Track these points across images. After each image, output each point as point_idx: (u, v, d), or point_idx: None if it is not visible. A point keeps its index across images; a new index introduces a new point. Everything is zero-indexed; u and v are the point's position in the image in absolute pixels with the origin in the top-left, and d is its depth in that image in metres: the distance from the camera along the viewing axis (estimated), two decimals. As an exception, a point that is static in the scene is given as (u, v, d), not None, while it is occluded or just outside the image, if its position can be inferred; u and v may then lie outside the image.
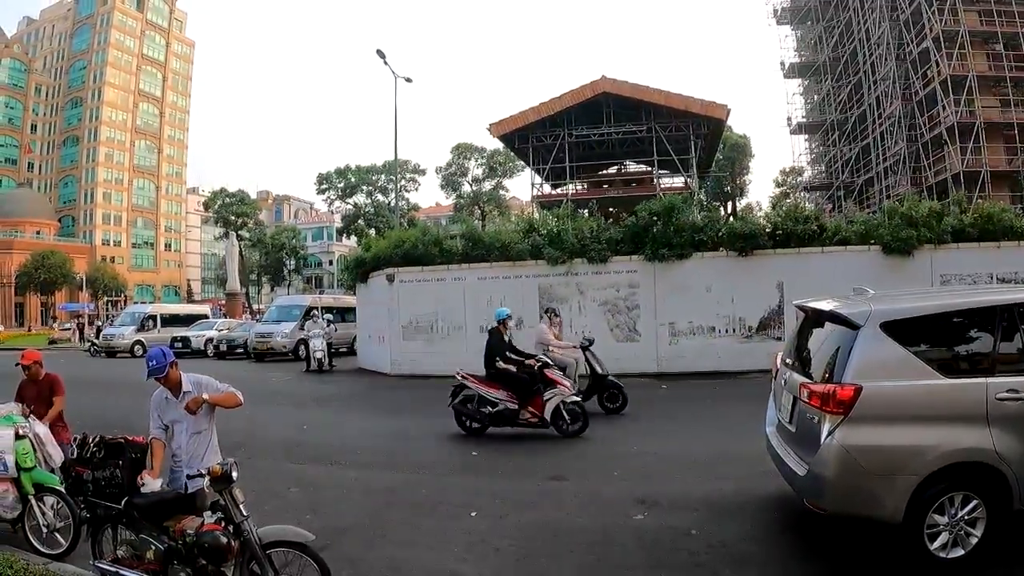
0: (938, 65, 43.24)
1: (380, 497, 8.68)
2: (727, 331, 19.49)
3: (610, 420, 13.78)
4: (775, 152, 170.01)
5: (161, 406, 6.00)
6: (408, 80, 38.33)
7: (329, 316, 28.02)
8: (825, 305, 7.12)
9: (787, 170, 77.93)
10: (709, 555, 6.59)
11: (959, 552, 5.98)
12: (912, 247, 19.14)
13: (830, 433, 6.05)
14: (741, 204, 78.12)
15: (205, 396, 5.88)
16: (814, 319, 7.35)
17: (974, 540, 5.95)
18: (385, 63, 35.76)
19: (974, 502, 5.98)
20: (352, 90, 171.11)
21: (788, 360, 7.55)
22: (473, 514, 7.87)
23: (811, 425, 6.35)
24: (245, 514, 5.11)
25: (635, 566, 6.43)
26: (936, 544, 5.96)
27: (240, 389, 6.29)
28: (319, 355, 24.48)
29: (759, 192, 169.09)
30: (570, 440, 11.86)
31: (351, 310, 30.55)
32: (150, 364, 5.80)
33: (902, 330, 6.24)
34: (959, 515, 5.97)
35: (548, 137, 46.31)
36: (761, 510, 7.81)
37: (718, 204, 73.48)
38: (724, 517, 7.58)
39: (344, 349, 30.39)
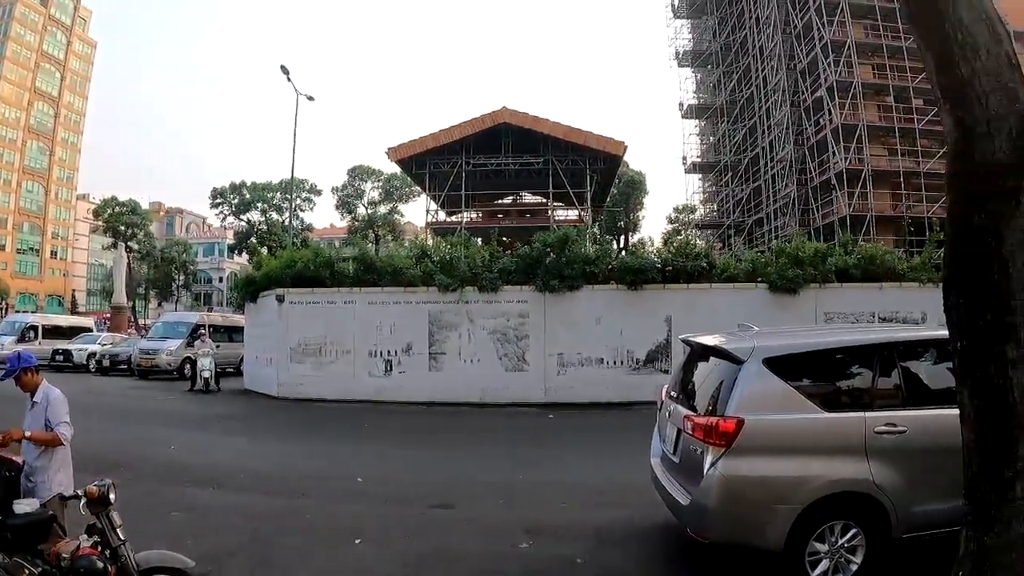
0: (831, 113, 45.34)
1: (265, 522, 8.45)
2: (615, 363, 19.71)
3: (496, 448, 13.87)
4: (669, 190, 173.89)
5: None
6: (310, 98, 38.39)
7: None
8: (710, 340, 7.33)
9: (680, 207, 79.90)
10: (600, 583, 6.62)
11: None
12: (798, 286, 19.84)
13: (713, 464, 6.23)
14: (634, 239, 79.44)
15: (27, 434, 5.67)
16: (699, 353, 7.55)
17: (854, 567, 6.21)
18: (288, 79, 35.60)
19: (853, 530, 6.25)
20: (252, 105, 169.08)
21: (673, 393, 7.72)
22: (358, 541, 7.76)
23: (695, 456, 6.52)
24: (123, 538, 4.90)
25: (521, 595, 6.38)
26: (817, 571, 6.19)
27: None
28: (206, 375, 23.75)
29: (652, 228, 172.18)
30: (456, 467, 11.92)
31: (239, 329, 29.72)
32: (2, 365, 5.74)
33: (784, 366, 6.49)
34: (839, 543, 6.23)
35: (446, 164, 46.58)
36: (647, 539, 7.93)
37: (611, 238, 74.71)
38: (610, 546, 7.67)
39: (231, 370, 29.64)
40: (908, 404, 6.65)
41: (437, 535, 8.12)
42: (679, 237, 58.19)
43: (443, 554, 7.43)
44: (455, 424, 17.05)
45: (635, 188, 78.51)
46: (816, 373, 6.78)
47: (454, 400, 19.18)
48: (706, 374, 7.20)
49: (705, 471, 6.28)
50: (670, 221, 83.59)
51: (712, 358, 7.17)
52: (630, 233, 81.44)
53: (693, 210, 73.27)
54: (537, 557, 7.34)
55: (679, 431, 6.96)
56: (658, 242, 71.03)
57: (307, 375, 20.73)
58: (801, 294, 20.09)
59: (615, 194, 69.96)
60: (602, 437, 14.74)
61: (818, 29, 45.74)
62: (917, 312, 20.52)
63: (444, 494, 9.96)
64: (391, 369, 20.30)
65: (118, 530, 4.93)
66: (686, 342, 8.02)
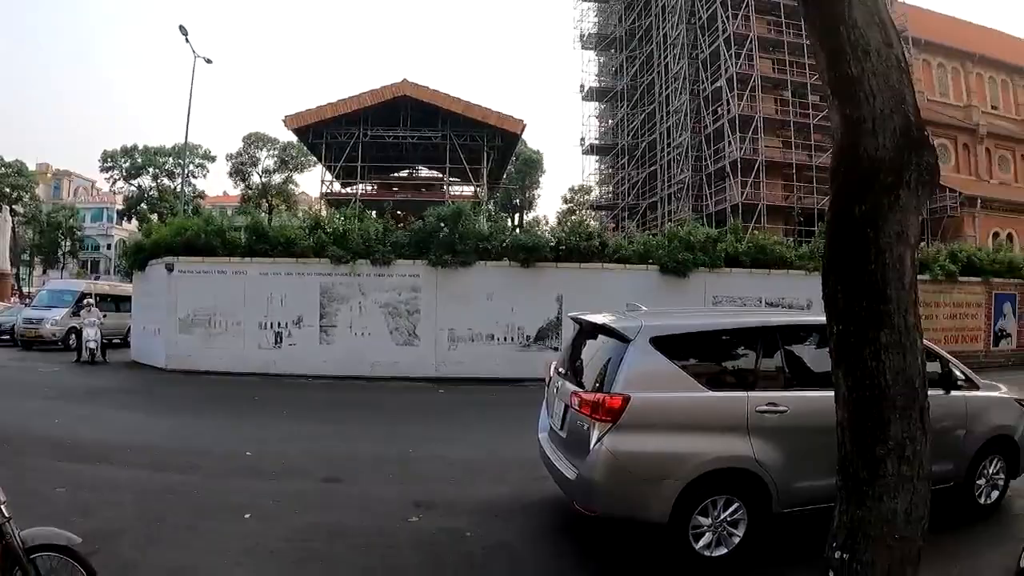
0: (728, 104, 46.46)
1: (153, 498, 8.34)
2: (506, 339, 20.01)
3: (386, 422, 13.93)
4: (567, 170, 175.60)
5: None
6: (208, 61, 37.62)
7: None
8: (599, 318, 7.58)
9: (576, 188, 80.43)
10: (484, 556, 6.86)
11: (723, 551, 6.52)
12: (688, 269, 20.48)
13: (599, 439, 6.43)
14: (529, 217, 79.87)
15: None
16: (588, 331, 7.78)
17: (736, 539, 6.52)
18: (187, 40, 34.83)
19: (736, 505, 6.55)
20: (148, 65, 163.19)
21: (561, 369, 7.95)
22: (248, 516, 7.76)
23: (581, 432, 6.71)
24: (7, 515, 4.70)
25: (411, 568, 6.57)
26: (701, 543, 6.47)
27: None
28: (92, 346, 22.98)
29: (548, 207, 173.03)
30: (346, 441, 11.97)
31: (128, 299, 28.53)
32: None
33: (670, 345, 6.75)
34: (722, 517, 6.52)
35: (343, 135, 46.13)
36: (536, 513, 8.12)
37: (506, 215, 74.92)
38: (499, 519, 7.85)
39: (118, 340, 28.59)
40: (789, 385, 7.02)
41: (327, 509, 8.19)
42: (573, 217, 59.01)
43: (332, 528, 7.49)
44: (345, 398, 17.03)
45: (533, 167, 78.95)
46: (701, 353, 7.08)
47: (345, 373, 19.13)
48: (594, 352, 7.43)
49: (591, 446, 6.48)
50: (566, 201, 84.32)
51: (600, 336, 7.39)
52: (526, 211, 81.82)
53: (589, 191, 74.12)
54: (426, 530, 7.46)
55: (567, 407, 7.16)
56: (553, 221, 71.69)
57: (196, 347, 20.30)
58: (691, 277, 20.77)
59: (512, 172, 70.49)
60: (492, 412, 14.97)
61: (722, 21, 46.71)
62: (803, 298, 21.36)
63: (334, 468, 9.99)
64: (281, 341, 20.13)
65: (2, 507, 4.75)
66: (575, 320, 8.23)
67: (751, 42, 45.70)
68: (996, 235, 48.63)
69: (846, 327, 4.06)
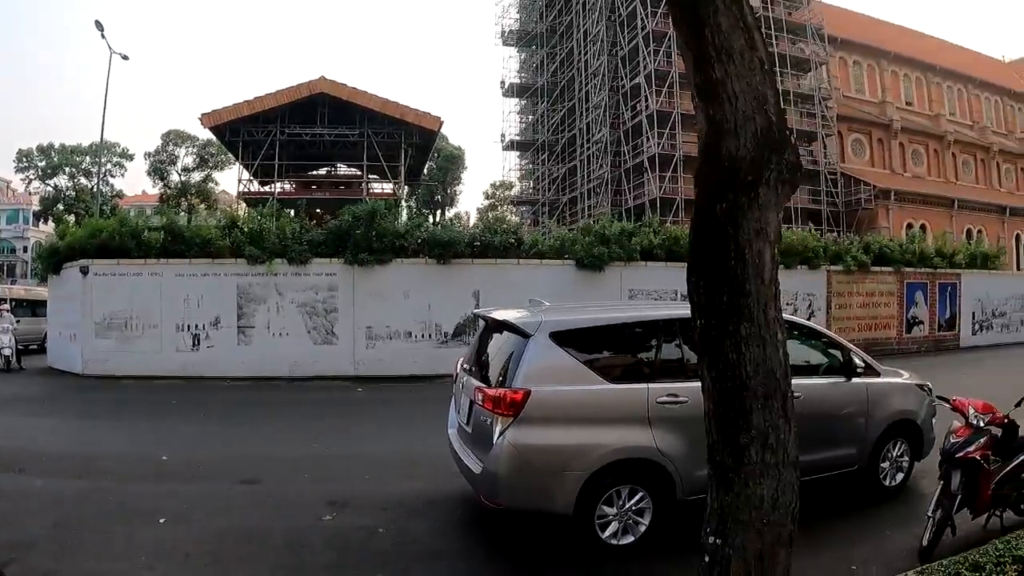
0: (647, 100, 47.02)
1: (69, 506, 8.31)
2: (424, 336, 20.09)
3: (304, 422, 14.02)
4: (489, 165, 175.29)
5: None
6: (125, 57, 36.99)
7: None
8: (501, 314, 7.73)
9: (498, 184, 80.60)
10: (396, 552, 6.97)
11: (629, 539, 6.75)
12: (604, 263, 20.79)
13: (501, 433, 6.60)
14: (451, 213, 79.84)
15: None
16: (492, 327, 7.94)
17: (643, 528, 6.76)
18: (103, 36, 34.09)
19: (640, 494, 6.79)
20: (64, 61, 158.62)
21: (467, 365, 8.13)
22: (163, 520, 7.78)
23: (485, 426, 6.88)
24: None
25: (324, 566, 6.68)
26: (607, 533, 6.70)
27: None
28: (7, 352, 22.49)
29: (470, 202, 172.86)
30: (263, 442, 12.03)
31: (44, 303, 27.90)
32: None
33: (570, 340, 6.95)
34: (627, 506, 6.75)
35: (260, 133, 45.52)
36: (449, 508, 8.28)
37: (428, 211, 74.85)
38: (412, 515, 7.99)
39: (35, 347, 28.11)
40: (689, 376, 7.06)
41: (241, 511, 8.25)
42: (494, 213, 59.14)
43: (246, 530, 7.58)
44: (264, 398, 16.97)
45: (454, 163, 79.02)
46: (601, 347, 7.27)
47: (263, 374, 19.04)
48: (497, 348, 7.61)
49: (494, 440, 6.65)
50: (487, 197, 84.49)
51: (503, 332, 7.56)
52: (447, 207, 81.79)
53: (510, 187, 74.29)
54: (339, 529, 7.61)
55: (471, 402, 7.34)
56: (474, 217, 71.83)
57: (113, 351, 19.91)
58: (607, 271, 21.12)
59: (433, 168, 70.49)
60: (408, 410, 15.06)
61: (642, 19, 47.29)
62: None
63: (250, 470, 10.02)
64: (199, 343, 19.92)
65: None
66: (480, 316, 8.46)
67: (669, 39, 46.05)
68: (910, 226, 50.12)
69: (708, 321, 4.17)
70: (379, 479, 9.56)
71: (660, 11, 46.26)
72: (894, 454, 8.91)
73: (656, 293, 21.14)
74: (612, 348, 7.39)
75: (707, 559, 4.29)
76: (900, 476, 8.99)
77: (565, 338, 6.98)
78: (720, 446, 4.25)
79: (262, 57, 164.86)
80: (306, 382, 18.69)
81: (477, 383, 7.39)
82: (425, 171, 69.62)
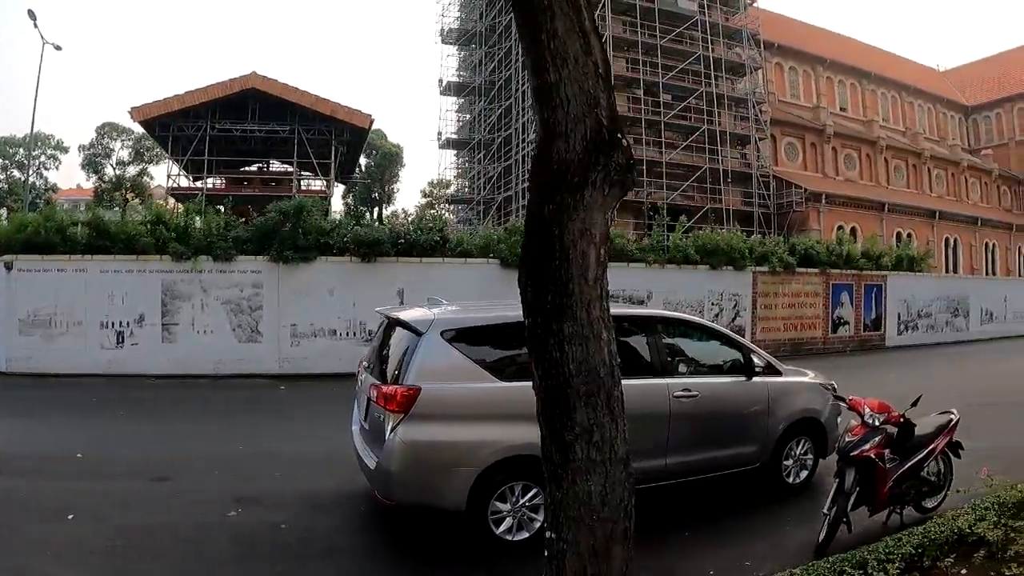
0: (582, 101, 46.59)
1: None
2: (348, 334, 20.00)
3: (224, 420, 14.02)
4: (428, 164, 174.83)
5: None
6: (58, 48, 36.36)
7: None
8: (397, 313, 7.84)
9: (435, 182, 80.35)
10: (297, 548, 7.05)
11: (525, 535, 6.88)
12: (529, 261, 20.76)
13: (393, 430, 6.70)
14: (388, 211, 79.51)
15: None
16: (391, 325, 7.99)
17: (538, 524, 6.81)
18: (35, 25, 33.48)
19: (534, 490, 6.87)
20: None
21: (366, 363, 8.26)
22: (72, 517, 7.76)
23: (379, 423, 6.98)
24: None
25: (225, 561, 6.75)
26: (502, 528, 6.83)
27: None
28: None
29: (409, 200, 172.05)
30: (180, 440, 11.90)
31: None
32: None
33: (462, 338, 7.07)
34: (521, 502, 6.88)
35: (190, 128, 44.84)
36: (354, 504, 8.36)
37: (365, 209, 74.52)
38: (317, 512, 8.09)
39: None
40: None
41: (151, 508, 8.23)
42: (431, 211, 59.15)
43: (154, 526, 7.58)
44: (186, 396, 16.77)
45: (392, 161, 78.63)
46: (493, 345, 7.37)
47: (188, 372, 18.79)
48: (394, 346, 7.68)
49: (387, 437, 6.74)
50: (424, 195, 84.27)
51: (399, 330, 7.62)
52: (384, 205, 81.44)
53: (447, 185, 74.12)
54: (244, 525, 7.67)
55: (369, 400, 7.43)
56: (412, 215, 71.68)
57: (37, 348, 19.38)
58: (535, 271, 21.06)
59: (371, 166, 70.13)
60: (328, 408, 14.84)
61: (581, 20, 47.10)
62: (643, 290, 22.14)
63: (164, 467, 9.99)
64: (123, 341, 19.56)
65: None
66: (381, 314, 8.50)
67: (606, 41, 46.45)
68: (840, 228, 50.90)
69: (534, 319, 4.22)
70: (289, 476, 9.60)
71: (597, 13, 46.52)
72: (797, 452, 9.14)
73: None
74: (503, 346, 7.44)
75: (546, 553, 4.38)
76: (804, 473, 9.23)
77: (457, 336, 7.10)
78: (549, 443, 4.31)
79: (200, 51, 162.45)
80: (230, 380, 18.49)
81: (373, 380, 7.50)
82: (362, 168, 69.46)
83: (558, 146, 4.06)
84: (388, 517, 7.79)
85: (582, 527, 4.20)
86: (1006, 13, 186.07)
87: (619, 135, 4.19)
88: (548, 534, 4.35)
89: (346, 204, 77.29)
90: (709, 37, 49.28)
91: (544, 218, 4.11)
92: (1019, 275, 66.63)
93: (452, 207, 67.37)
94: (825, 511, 7.07)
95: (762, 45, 53.57)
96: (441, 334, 7.01)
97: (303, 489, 8.92)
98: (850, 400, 7.60)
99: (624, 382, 7.57)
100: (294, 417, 14.51)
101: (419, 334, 7.06)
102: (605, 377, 4.25)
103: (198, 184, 49.03)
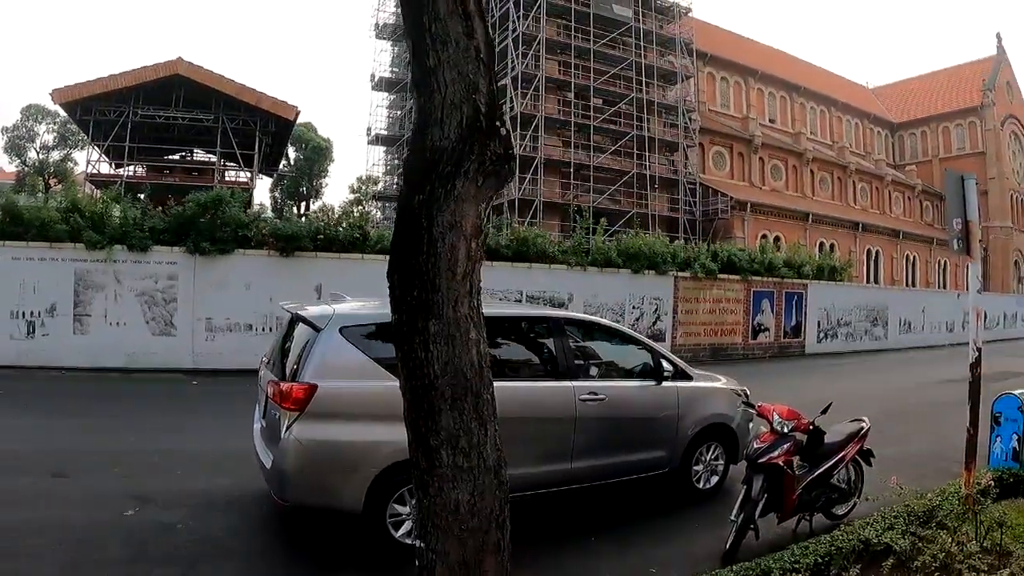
0: (512, 101, 47.21)
1: None
2: (264, 329, 19.58)
3: (131, 415, 13.58)
4: (358, 159, 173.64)
5: None
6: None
7: None
8: (298, 308, 7.68)
9: (363, 178, 79.78)
10: (191, 549, 6.86)
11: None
12: (446, 261, 20.66)
13: (288, 428, 6.55)
14: (316, 206, 78.81)
15: None
16: (293, 321, 7.85)
17: None
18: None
19: None
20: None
21: (266, 359, 8.15)
22: (-45, 516, 7.41)
23: (275, 421, 6.84)
24: None
25: (117, 561, 6.54)
26: (401, 531, 6.73)
27: None
28: None
29: (337, 196, 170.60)
30: (84, 435, 11.59)
31: None
32: None
33: (361, 335, 6.93)
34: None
35: (113, 112, 43.57)
36: (253, 505, 8.19)
37: (292, 203, 73.82)
38: (214, 512, 7.91)
39: None
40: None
41: (46, 505, 7.97)
42: (359, 207, 58.75)
43: (45, 524, 7.33)
44: (95, 390, 16.31)
45: (321, 155, 77.91)
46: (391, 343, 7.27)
47: (100, 365, 18.28)
48: (294, 341, 7.53)
49: (282, 435, 6.60)
50: (352, 191, 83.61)
51: (300, 325, 7.48)
52: (312, 200, 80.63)
53: (376, 182, 73.68)
54: (139, 525, 7.44)
55: (267, 396, 7.26)
56: (338, 210, 71.05)
57: None
58: (453, 270, 20.96)
59: (300, 160, 69.48)
60: (238, 405, 14.48)
61: (513, 21, 47.79)
62: (565, 293, 22.22)
63: (63, 463, 9.68)
64: (34, 331, 18.91)
65: None
66: (284, 308, 8.33)
67: (539, 43, 46.83)
68: (764, 237, 52.17)
69: (401, 316, 4.07)
70: (191, 475, 9.38)
71: (532, 15, 46.79)
72: (708, 457, 9.20)
73: (501, 293, 21.22)
74: None
75: (416, 562, 4.25)
76: (715, 479, 9.29)
77: (356, 333, 6.97)
78: (415, 448, 4.18)
79: (132, 35, 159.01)
80: (142, 374, 18.06)
81: (272, 377, 7.35)
82: (291, 162, 68.69)
83: (432, 134, 3.91)
84: (287, 518, 7.66)
85: (451, 537, 4.07)
86: (935, 35, 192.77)
87: (497, 123, 4.03)
88: (418, 543, 4.21)
89: (273, 198, 76.49)
90: (643, 44, 50.04)
91: (413, 209, 3.96)
92: (938, 287, 69.09)
93: (380, 204, 66.83)
94: (733, 518, 7.07)
95: (695, 54, 54.70)
96: (340, 331, 6.86)
97: (203, 488, 8.71)
98: (759, 407, 7.66)
99: (529, 384, 7.58)
100: (203, 413, 14.21)
101: (318, 330, 6.92)
102: (472, 379, 4.12)
103: (119, 171, 47.76)
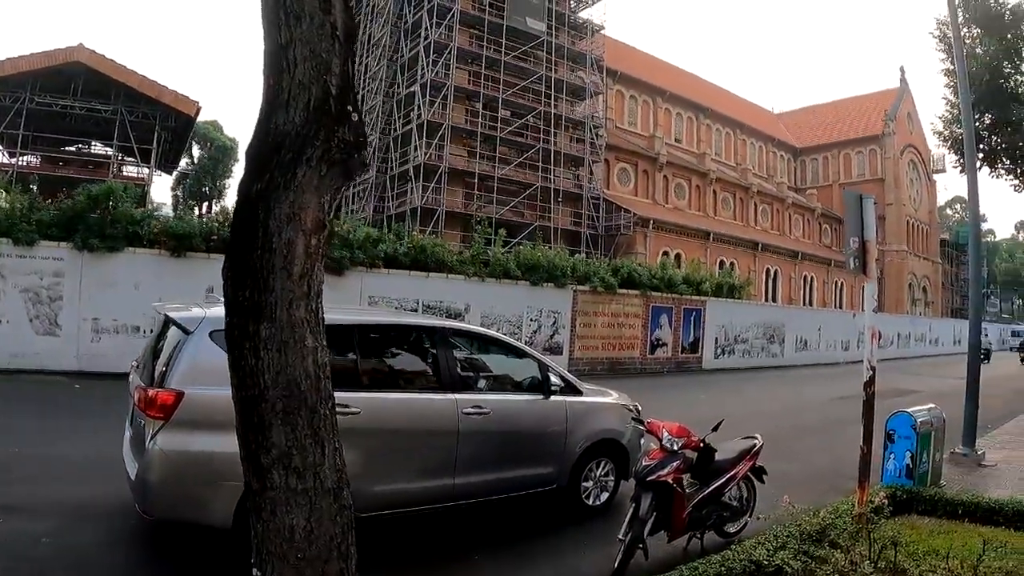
0: (419, 109, 47.39)
1: None
2: (151, 331, 18.83)
3: (6, 420, 12.86)
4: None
5: None
6: None
7: None
8: (168, 309, 7.37)
9: (268, 182, 78.66)
10: (55, 562, 6.56)
11: None
12: (344, 267, 20.59)
13: (152, 438, 6.23)
14: (218, 207, 77.50)
15: None
16: (165, 323, 7.46)
17: None
18: None
19: None
20: None
21: (135, 363, 7.87)
22: None
23: (140, 429, 6.55)
24: None
25: (-30, 579, 6.18)
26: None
27: None
28: None
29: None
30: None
31: None
32: None
33: None
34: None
35: (8, 98, 42.01)
36: (124, 516, 7.74)
37: (194, 203, 72.47)
38: (84, 523, 7.56)
39: None
40: (363, 386, 7.05)
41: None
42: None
43: None
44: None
45: (226, 154, 76.76)
46: None
47: (-20, 366, 17.40)
48: (166, 345, 7.14)
49: (147, 445, 6.30)
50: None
51: (173, 328, 7.07)
52: (215, 200, 79.31)
53: (280, 185, 72.92)
54: (1, 537, 7.04)
55: (134, 403, 6.97)
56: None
57: None
58: (348, 275, 20.96)
59: (205, 158, 68.24)
60: (121, 410, 14.30)
61: (426, 28, 47.66)
62: (462, 304, 22.14)
63: (-71, 471, 9.13)
64: (-88, 329, 18.07)
65: None
66: (156, 309, 7.97)
67: (450, 52, 46.85)
68: (665, 254, 53.07)
69: (232, 318, 3.70)
70: (64, 483, 9.02)
71: (445, 23, 46.80)
72: (598, 473, 9.18)
73: (398, 301, 21.19)
74: None
75: None
76: (605, 496, 9.27)
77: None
78: (246, 465, 3.80)
79: (32, 19, 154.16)
80: (24, 375, 17.26)
81: (140, 382, 7.04)
82: (195, 160, 67.43)
83: (277, 117, 3.60)
84: (158, 532, 7.33)
85: (287, 566, 3.70)
86: (842, 66, 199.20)
87: (349, 107, 3.71)
88: (255, 571, 3.82)
89: (175, 196, 75.07)
90: (554, 58, 50.49)
91: (251, 199, 3.61)
92: (835, 307, 71.53)
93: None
94: (621, 536, 6.99)
95: (605, 71, 55.48)
96: (211, 334, 6.45)
97: (75, 497, 8.37)
98: (648, 423, 7.64)
99: (410, 396, 7.43)
100: (84, 417, 13.70)
101: (187, 333, 6.59)
102: (308, 391, 3.72)
103: (12, 160, 46.09)
